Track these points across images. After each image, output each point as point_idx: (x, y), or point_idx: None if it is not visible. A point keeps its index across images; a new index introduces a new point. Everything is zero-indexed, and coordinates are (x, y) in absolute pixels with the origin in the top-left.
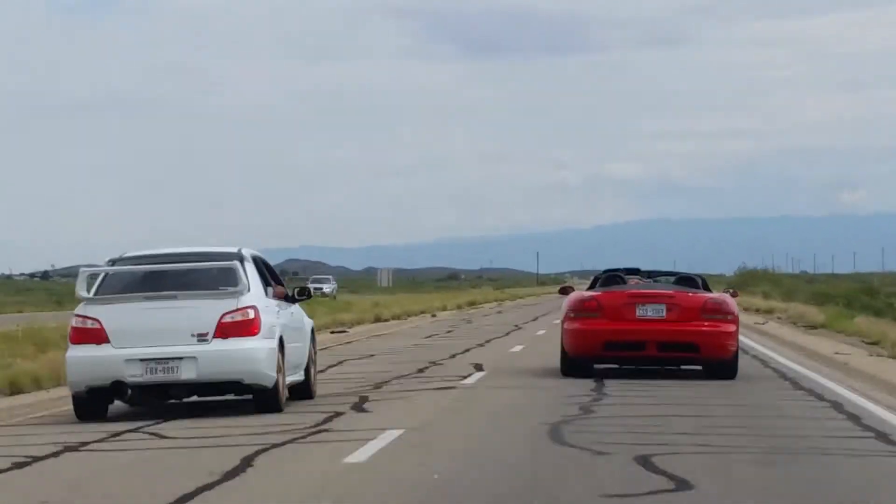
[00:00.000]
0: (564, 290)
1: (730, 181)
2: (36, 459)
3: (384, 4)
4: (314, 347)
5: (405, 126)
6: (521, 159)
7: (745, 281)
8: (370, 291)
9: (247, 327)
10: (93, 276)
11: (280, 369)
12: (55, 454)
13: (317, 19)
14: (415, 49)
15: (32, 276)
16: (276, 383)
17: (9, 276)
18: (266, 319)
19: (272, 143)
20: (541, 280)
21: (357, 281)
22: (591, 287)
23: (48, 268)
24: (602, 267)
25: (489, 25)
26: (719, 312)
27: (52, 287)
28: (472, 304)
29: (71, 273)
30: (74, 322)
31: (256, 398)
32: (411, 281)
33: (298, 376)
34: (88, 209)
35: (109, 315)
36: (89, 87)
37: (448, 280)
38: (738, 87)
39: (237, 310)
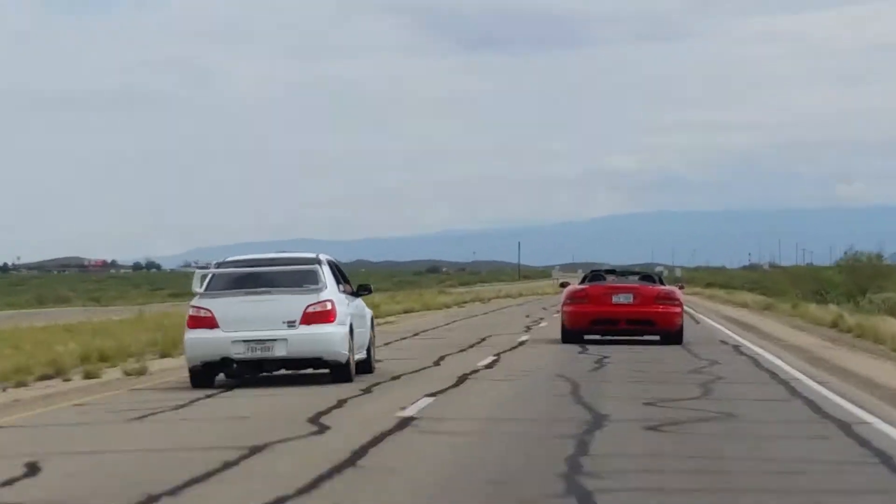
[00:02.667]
0: (563, 285)
1: (728, 174)
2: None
3: None
4: (373, 332)
5: (400, 119)
6: (518, 152)
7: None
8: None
9: (325, 316)
10: (203, 276)
11: (350, 349)
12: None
13: (313, 12)
14: (410, 42)
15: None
16: (348, 360)
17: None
18: (340, 310)
19: (265, 136)
20: (524, 273)
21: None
22: (582, 282)
23: (14, 260)
24: (596, 260)
25: (485, 18)
26: (668, 299)
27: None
28: (408, 311)
29: (42, 266)
30: (191, 311)
31: (332, 371)
32: (385, 274)
33: (362, 355)
34: (80, 201)
35: (218, 306)
36: (75, 80)
37: (426, 274)
38: (737, 80)
39: (318, 302)
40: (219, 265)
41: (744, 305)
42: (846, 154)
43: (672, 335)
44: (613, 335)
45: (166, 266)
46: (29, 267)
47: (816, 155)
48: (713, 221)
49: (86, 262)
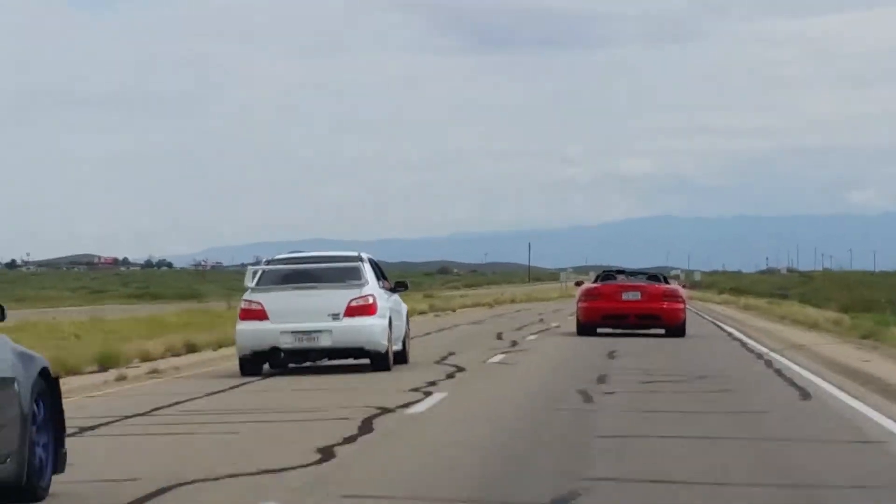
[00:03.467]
0: (579, 284)
1: (738, 179)
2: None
3: None
4: (408, 326)
5: (415, 120)
6: (532, 155)
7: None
8: None
9: (367, 309)
10: (255, 272)
11: (389, 340)
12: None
13: (327, 11)
14: (426, 43)
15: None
16: (387, 350)
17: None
18: (380, 304)
19: (283, 136)
20: (534, 275)
21: None
22: (595, 281)
23: (23, 256)
24: (608, 263)
25: (502, 19)
26: (673, 296)
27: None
28: None
29: (52, 264)
30: (243, 304)
31: (372, 361)
32: (397, 275)
33: (398, 346)
34: (95, 200)
35: (268, 299)
36: (88, 79)
37: (436, 275)
38: (748, 85)
39: (360, 297)
40: (268, 262)
41: (814, 326)
42: (858, 160)
43: (676, 328)
44: (623, 328)
45: (178, 265)
46: (40, 264)
47: (828, 161)
48: (725, 226)
49: (96, 260)
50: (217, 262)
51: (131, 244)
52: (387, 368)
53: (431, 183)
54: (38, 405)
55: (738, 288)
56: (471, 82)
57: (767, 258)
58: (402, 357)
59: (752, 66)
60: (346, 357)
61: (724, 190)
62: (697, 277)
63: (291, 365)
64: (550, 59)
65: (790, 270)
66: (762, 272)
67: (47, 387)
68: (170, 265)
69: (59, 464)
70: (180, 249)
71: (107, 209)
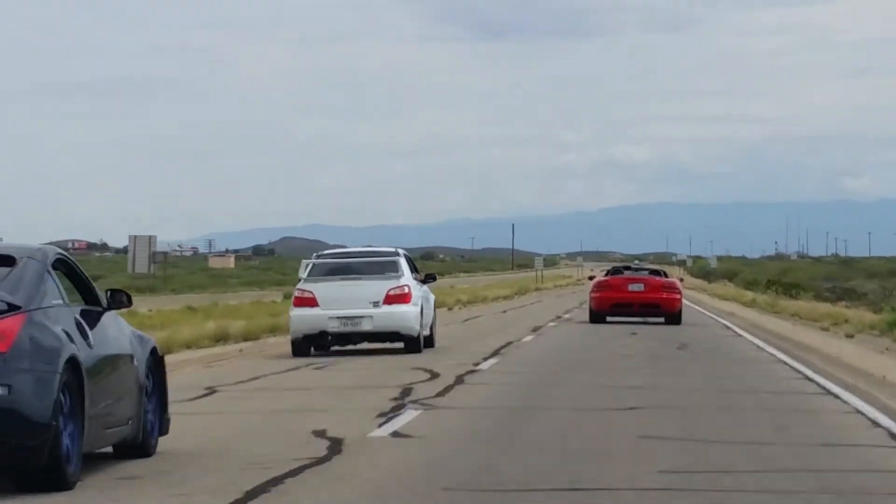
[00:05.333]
0: (591, 278)
1: (735, 166)
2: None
3: None
4: (435, 314)
5: (412, 107)
6: (529, 142)
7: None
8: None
9: (403, 298)
10: (306, 265)
11: (421, 325)
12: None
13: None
14: (424, 30)
15: None
16: (419, 334)
17: None
18: (414, 293)
19: (277, 122)
20: (520, 262)
21: None
22: (606, 275)
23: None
24: (605, 249)
25: (499, 6)
26: (671, 289)
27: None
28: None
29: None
30: (296, 293)
31: (406, 344)
32: None
33: (427, 332)
34: (90, 186)
35: (318, 289)
36: (91, 67)
37: (421, 261)
38: (745, 72)
39: (397, 287)
40: (318, 256)
41: None
42: (854, 147)
43: (673, 316)
44: (629, 316)
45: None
46: None
47: (824, 148)
48: (721, 213)
49: (69, 245)
50: (194, 248)
51: (129, 230)
52: (418, 350)
53: (427, 170)
54: (149, 378)
55: (778, 282)
56: (467, 69)
57: (776, 243)
58: (430, 342)
59: (748, 54)
60: (384, 340)
61: (722, 177)
62: (713, 264)
63: (335, 348)
64: (548, 46)
65: (801, 256)
66: (770, 258)
67: (155, 362)
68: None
69: (163, 427)
70: (176, 236)
71: (102, 195)
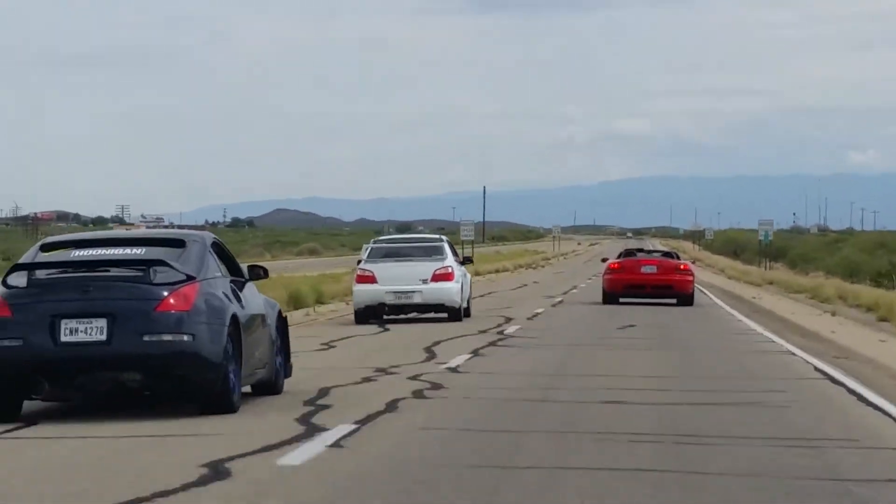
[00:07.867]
0: (604, 260)
1: (738, 139)
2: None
3: None
4: (471, 289)
5: (413, 80)
6: (530, 115)
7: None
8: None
9: (447, 276)
10: (366, 248)
11: (462, 299)
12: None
13: None
14: (424, 3)
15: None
16: (460, 307)
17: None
18: (456, 273)
19: (279, 95)
20: (493, 234)
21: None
22: (618, 257)
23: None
24: (605, 223)
25: None
26: (684, 271)
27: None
28: None
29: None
30: (358, 272)
31: (449, 314)
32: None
33: (465, 304)
34: (87, 157)
35: (376, 268)
36: (87, 38)
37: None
38: (749, 46)
39: (442, 267)
40: (375, 241)
41: None
42: (858, 121)
43: (686, 298)
44: (641, 297)
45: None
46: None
47: (828, 121)
48: (723, 186)
49: (32, 215)
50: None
51: (127, 201)
52: (459, 320)
53: (428, 142)
54: (276, 333)
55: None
56: (468, 42)
57: (794, 215)
58: (467, 312)
59: (752, 27)
60: (430, 311)
61: (725, 150)
62: (709, 236)
63: (388, 316)
64: (550, 19)
65: (822, 230)
66: (790, 231)
67: (281, 321)
68: (122, 220)
69: (288, 371)
70: (177, 207)
71: (101, 166)
